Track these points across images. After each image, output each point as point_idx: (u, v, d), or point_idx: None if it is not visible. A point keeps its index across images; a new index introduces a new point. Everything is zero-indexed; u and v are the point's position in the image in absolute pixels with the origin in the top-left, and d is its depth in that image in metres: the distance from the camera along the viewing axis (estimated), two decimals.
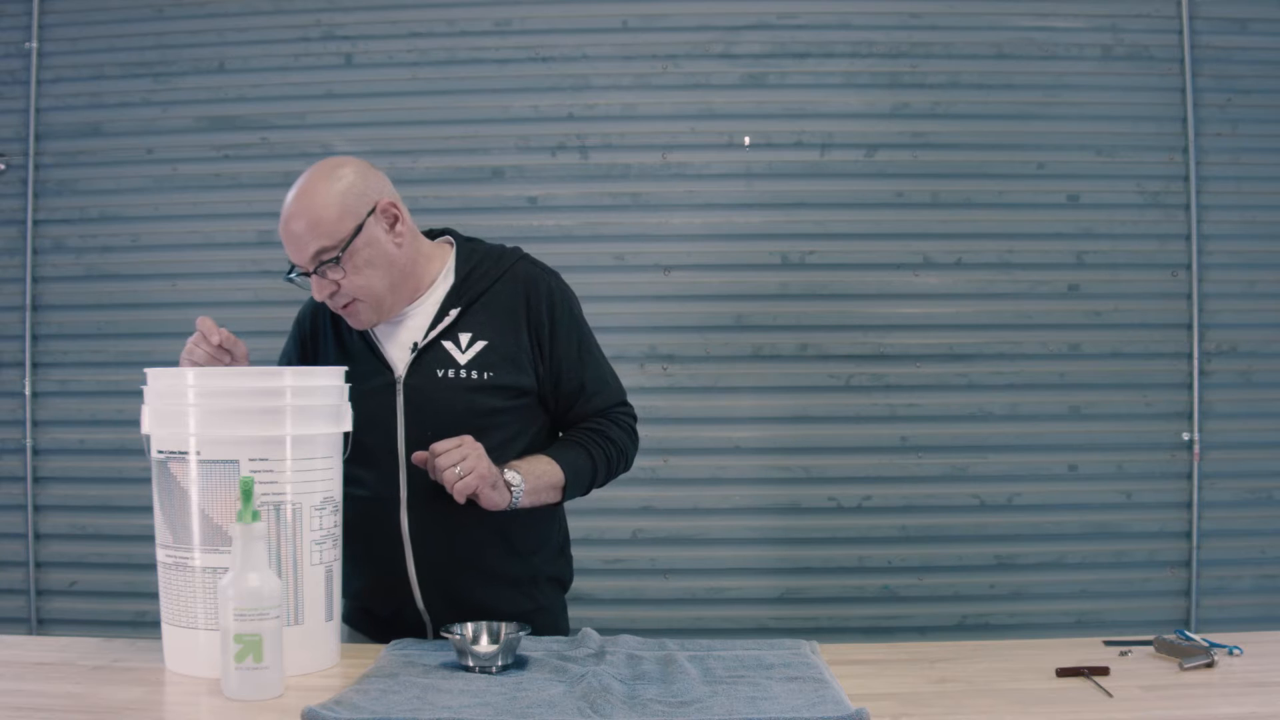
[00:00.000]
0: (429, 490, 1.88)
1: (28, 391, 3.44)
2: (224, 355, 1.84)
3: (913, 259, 3.38)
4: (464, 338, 1.96)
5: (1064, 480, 3.36)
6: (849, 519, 3.36)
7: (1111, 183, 3.38)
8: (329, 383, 1.75)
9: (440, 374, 1.93)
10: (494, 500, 1.84)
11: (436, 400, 1.92)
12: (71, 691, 1.56)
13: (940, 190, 3.40)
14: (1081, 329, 3.37)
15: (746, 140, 3.41)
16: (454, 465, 1.79)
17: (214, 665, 1.55)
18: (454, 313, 1.96)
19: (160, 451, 1.67)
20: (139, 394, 1.70)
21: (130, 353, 3.38)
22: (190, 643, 1.64)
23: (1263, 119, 3.38)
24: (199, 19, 3.45)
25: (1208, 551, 3.35)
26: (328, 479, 1.72)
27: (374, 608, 2.02)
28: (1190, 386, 3.36)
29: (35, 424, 3.45)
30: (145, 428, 1.69)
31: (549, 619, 2.03)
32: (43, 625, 3.42)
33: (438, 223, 2.14)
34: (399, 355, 1.96)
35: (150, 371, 1.70)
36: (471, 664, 1.65)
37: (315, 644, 1.70)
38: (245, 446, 1.63)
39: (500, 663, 1.65)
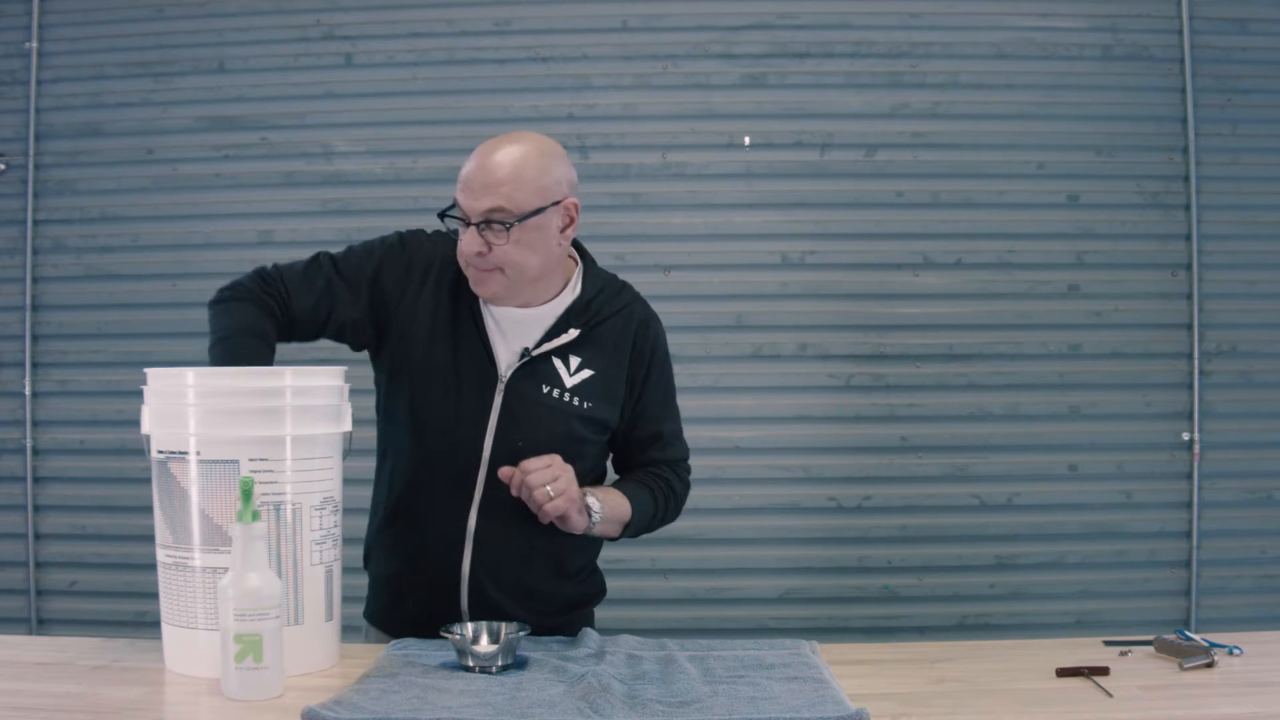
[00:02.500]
0: (504, 497, 1.87)
1: (28, 391, 3.44)
2: None
3: (913, 259, 3.39)
4: (574, 361, 1.94)
5: (1064, 480, 3.36)
6: (849, 519, 3.36)
7: (1111, 183, 3.38)
8: (329, 383, 1.75)
9: (545, 390, 1.91)
10: (576, 524, 1.85)
11: (535, 414, 1.90)
12: (71, 691, 1.56)
13: (940, 190, 3.40)
14: (1081, 329, 3.37)
15: (746, 140, 3.41)
16: (546, 485, 1.79)
17: (214, 665, 1.55)
18: (573, 333, 1.93)
19: (160, 451, 1.67)
20: (139, 394, 1.70)
21: (130, 353, 3.38)
22: (190, 643, 1.64)
23: (1263, 119, 3.38)
24: (199, 19, 3.45)
25: (1208, 551, 3.35)
26: (328, 479, 1.72)
27: (410, 598, 1.97)
28: (1190, 386, 3.36)
29: (35, 424, 3.45)
30: (145, 428, 1.69)
31: (576, 628, 2.00)
32: (43, 625, 3.42)
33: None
34: (505, 356, 1.92)
35: (150, 371, 1.70)
36: (471, 664, 1.65)
37: (315, 644, 1.69)
38: (245, 446, 1.63)
39: (500, 663, 1.65)
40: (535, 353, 1.92)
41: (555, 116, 3.41)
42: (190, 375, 1.69)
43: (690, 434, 3.40)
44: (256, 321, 1.87)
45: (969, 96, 3.40)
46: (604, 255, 3.33)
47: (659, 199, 3.41)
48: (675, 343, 3.34)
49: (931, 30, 3.40)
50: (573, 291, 1.97)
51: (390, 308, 1.94)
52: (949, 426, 3.37)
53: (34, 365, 3.45)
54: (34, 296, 3.46)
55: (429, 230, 2.02)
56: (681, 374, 3.34)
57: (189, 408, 1.65)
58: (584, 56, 3.43)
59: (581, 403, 1.93)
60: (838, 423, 3.38)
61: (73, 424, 3.44)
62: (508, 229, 1.83)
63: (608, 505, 1.91)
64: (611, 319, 1.99)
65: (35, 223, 3.47)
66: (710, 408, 3.37)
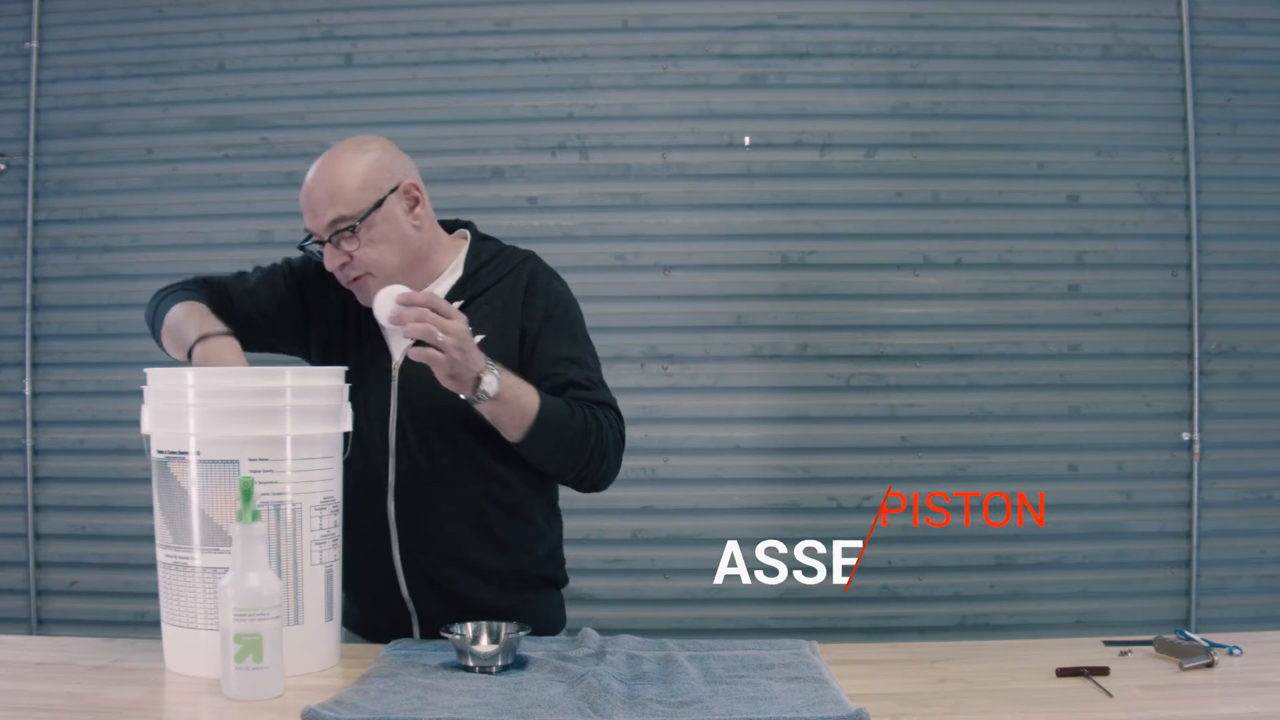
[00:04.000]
0: (416, 477, 1.90)
1: (28, 391, 3.44)
2: None
3: (913, 259, 3.39)
4: None
5: (1064, 480, 3.36)
6: (849, 519, 3.35)
7: (1111, 183, 3.38)
8: (329, 383, 1.75)
9: None
10: (452, 383, 1.76)
11: (430, 391, 1.86)
12: (71, 691, 1.56)
13: (940, 190, 3.40)
14: (1081, 329, 3.37)
15: (746, 140, 3.41)
16: (437, 329, 1.72)
17: (214, 665, 1.55)
18: (456, 305, 1.92)
19: (160, 451, 1.67)
20: (139, 394, 1.70)
21: (130, 353, 3.37)
22: (190, 643, 1.64)
23: (1263, 119, 3.38)
24: (199, 19, 3.46)
25: (1208, 551, 3.35)
26: (328, 479, 1.72)
27: (361, 597, 1.99)
28: (1190, 386, 3.36)
29: (35, 424, 3.44)
30: (145, 428, 1.69)
31: (539, 612, 1.99)
32: (43, 625, 3.42)
33: None
34: (399, 342, 1.94)
35: (150, 371, 1.70)
36: (471, 664, 1.65)
37: (315, 644, 1.70)
38: (245, 446, 1.63)
39: (500, 663, 1.65)
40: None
41: (555, 116, 3.41)
42: (190, 375, 1.69)
43: (690, 434, 3.40)
44: (189, 289, 1.98)
45: (969, 96, 3.40)
46: (604, 255, 3.36)
47: (659, 199, 3.41)
48: (675, 343, 3.38)
49: (931, 30, 3.40)
50: (454, 273, 2.00)
51: (310, 302, 2.03)
52: (949, 426, 3.37)
53: (34, 365, 3.45)
54: (34, 296, 3.46)
55: None
56: (681, 374, 3.38)
57: (189, 408, 1.65)
58: (584, 56, 3.43)
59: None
60: (838, 423, 3.38)
61: (73, 424, 3.44)
62: (354, 232, 1.88)
63: (509, 385, 1.80)
64: (499, 283, 1.99)
65: (35, 223, 3.47)
66: (710, 408, 3.37)
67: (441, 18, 3.43)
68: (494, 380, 1.78)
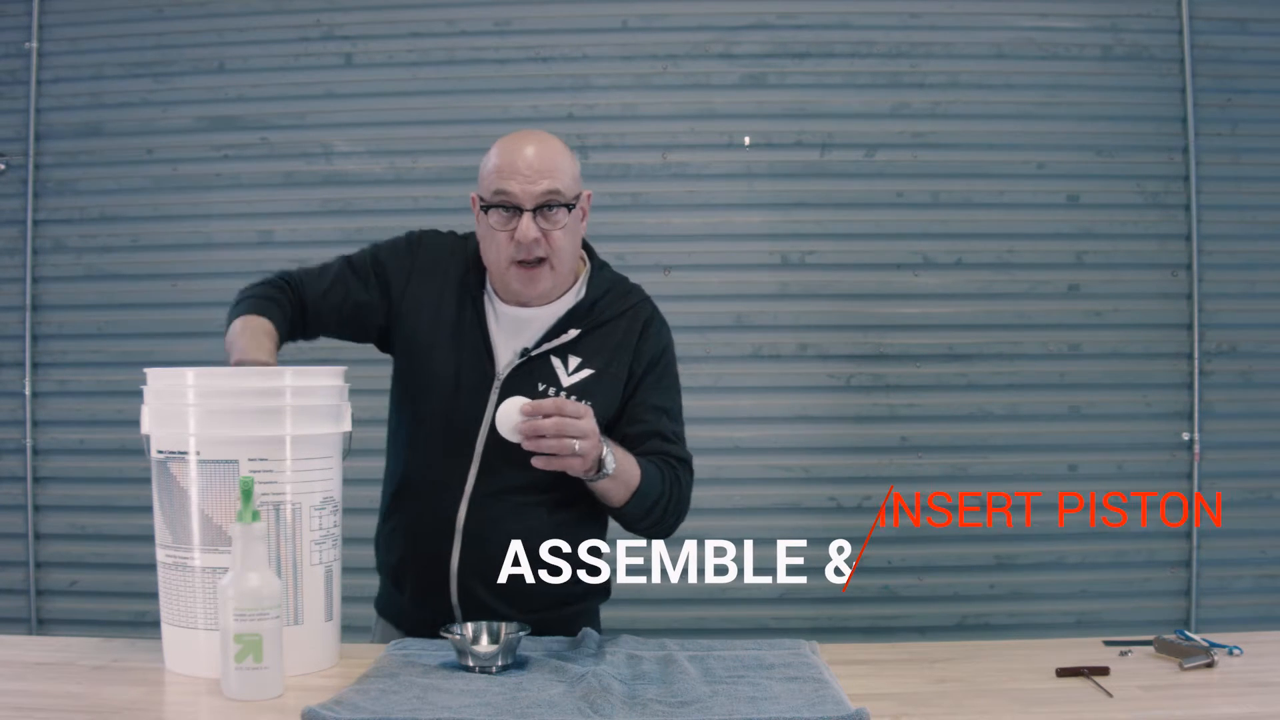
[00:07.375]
0: (495, 490, 1.89)
1: (28, 391, 3.44)
2: None
3: (913, 259, 3.39)
4: (573, 361, 1.93)
5: (1064, 480, 3.35)
6: (849, 519, 3.36)
7: (1111, 183, 3.38)
8: (329, 383, 1.75)
9: (541, 388, 1.90)
10: (572, 469, 1.77)
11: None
12: (71, 691, 1.56)
13: (940, 190, 3.40)
14: (1081, 329, 3.37)
15: (746, 140, 3.41)
16: (575, 441, 1.71)
17: (214, 665, 1.55)
18: (574, 332, 1.93)
19: (160, 451, 1.67)
20: (139, 394, 1.70)
21: (130, 353, 3.38)
22: (190, 643, 1.64)
23: (1263, 119, 3.38)
24: (199, 19, 3.46)
25: (1208, 551, 3.35)
26: (328, 479, 1.72)
27: (408, 588, 1.97)
28: (1190, 386, 3.36)
29: (35, 424, 3.45)
30: (145, 428, 1.69)
31: (582, 621, 1.98)
32: (43, 625, 3.42)
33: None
34: (505, 355, 1.93)
35: (150, 371, 1.70)
36: (471, 664, 1.65)
37: (315, 644, 1.69)
38: (245, 446, 1.63)
39: (500, 663, 1.65)
40: (534, 353, 1.92)
41: (555, 116, 3.41)
42: (190, 375, 1.69)
43: (690, 434, 3.38)
44: (265, 295, 1.94)
45: (969, 96, 3.40)
46: (604, 255, 3.34)
47: (659, 199, 3.41)
48: (676, 342, 3.35)
49: (931, 30, 3.40)
50: (576, 295, 1.98)
51: (395, 295, 1.99)
52: (949, 426, 3.37)
53: (34, 365, 3.45)
54: (34, 296, 3.46)
55: (442, 230, 2.08)
56: (681, 374, 3.34)
57: (189, 408, 1.65)
58: (584, 56, 3.43)
59: (580, 401, 1.90)
60: (838, 423, 3.38)
61: (73, 424, 3.44)
62: (569, 209, 1.89)
63: (620, 469, 1.82)
64: (615, 320, 1.99)
65: (35, 223, 3.47)
66: (710, 408, 3.36)
67: (441, 18, 3.43)
68: (611, 459, 1.80)
